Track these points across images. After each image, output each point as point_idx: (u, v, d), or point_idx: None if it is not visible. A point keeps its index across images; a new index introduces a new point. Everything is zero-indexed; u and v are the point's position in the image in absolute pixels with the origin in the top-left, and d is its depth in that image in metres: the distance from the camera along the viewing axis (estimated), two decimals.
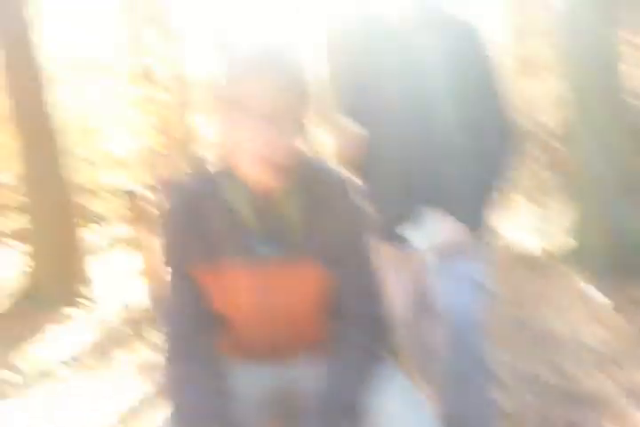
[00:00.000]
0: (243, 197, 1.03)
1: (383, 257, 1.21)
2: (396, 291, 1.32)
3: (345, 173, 1.10)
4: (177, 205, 1.07)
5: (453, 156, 1.45)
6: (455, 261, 1.42)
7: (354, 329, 1.05)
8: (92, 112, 7.96)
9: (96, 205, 6.15)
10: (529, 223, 4.33)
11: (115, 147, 7.95)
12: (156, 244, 3.43)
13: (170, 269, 1.09)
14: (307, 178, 1.04)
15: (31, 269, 3.79)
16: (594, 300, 3.09)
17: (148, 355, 3.02)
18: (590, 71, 3.55)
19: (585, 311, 2.97)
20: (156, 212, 3.49)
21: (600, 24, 3.53)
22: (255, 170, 0.96)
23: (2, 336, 2.48)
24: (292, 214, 1.03)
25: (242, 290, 1.05)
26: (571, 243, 3.84)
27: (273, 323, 1.08)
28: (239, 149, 0.96)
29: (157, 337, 3.21)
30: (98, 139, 7.91)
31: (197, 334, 1.06)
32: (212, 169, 1.09)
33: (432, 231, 1.40)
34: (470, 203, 1.45)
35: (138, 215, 3.57)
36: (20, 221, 5.54)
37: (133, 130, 8.12)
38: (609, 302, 2.99)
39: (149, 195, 3.67)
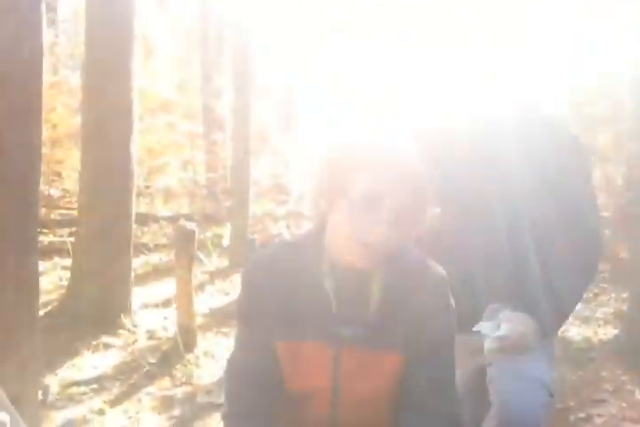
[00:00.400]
0: (329, 272, 1.03)
1: None
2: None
3: (441, 268, 1.09)
4: (265, 272, 1.06)
5: (539, 254, 1.44)
6: (518, 358, 1.39)
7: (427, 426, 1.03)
8: (152, 145, 8.32)
9: (143, 234, 6.29)
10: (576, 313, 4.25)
11: (166, 178, 8.23)
12: (191, 273, 3.50)
13: (245, 333, 1.09)
14: (402, 267, 1.04)
15: (77, 294, 3.83)
16: (633, 395, 2.94)
17: (170, 388, 3.00)
18: None
19: (624, 406, 2.81)
20: (195, 242, 3.56)
21: None
22: (357, 256, 0.97)
23: (38, 351, 2.50)
24: (379, 300, 1.03)
25: (314, 368, 1.04)
26: (613, 332, 3.74)
27: (340, 405, 1.06)
28: (349, 236, 0.97)
29: (181, 371, 3.20)
30: (155, 171, 8.21)
31: (261, 402, 1.05)
32: (303, 241, 1.09)
33: (498, 324, 1.38)
34: (552, 310, 1.43)
35: (180, 248, 3.63)
36: (63, 236, 5.74)
37: (185, 164, 8.44)
38: None
39: (191, 225, 3.74)
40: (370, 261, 0.98)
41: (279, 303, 1.03)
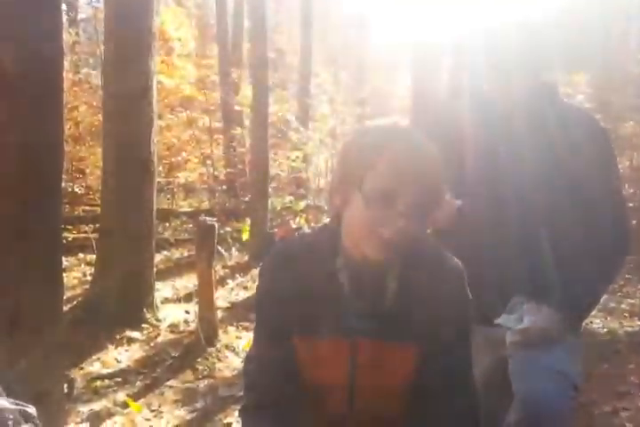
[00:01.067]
0: (345, 267, 1.03)
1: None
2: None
3: (457, 260, 1.09)
4: (281, 267, 1.07)
5: (564, 247, 1.42)
6: (542, 349, 1.38)
7: (444, 418, 1.03)
8: (172, 141, 8.38)
9: (164, 230, 6.37)
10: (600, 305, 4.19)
11: (186, 174, 8.30)
12: (211, 268, 3.53)
13: (263, 330, 1.10)
14: (417, 260, 1.04)
15: (101, 289, 3.88)
16: None
17: (192, 381, 3.04)
18: None
19: None
20: (215, 237, 3.58)
21: None
22: (374, 250, 0.97)
23: (63, 346, 2.55)
24: (395, 293, 1.03)
25: (331, 361, 1.05)
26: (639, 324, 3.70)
27: (357, 397, 1.07)
28: (366, 231, 0.97)
29: (203, 364, 3.24)
30: (175, 167, 8.28)
31: (279, 396, 1.06)
32: (318, 236, 1.10)
33: (521, 317, 1.39)
34: (577, 302, 1.42)
35: (202, 243, 3.66)
36: (87, 232, 5.84)
37: (205, 159, 8.50)
38: None
39: (212, 220, 3.76)
40: (385, 255, 0.97)
41: (296, 298, 1.04)
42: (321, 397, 1.08)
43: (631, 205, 5.20)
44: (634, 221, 4.78)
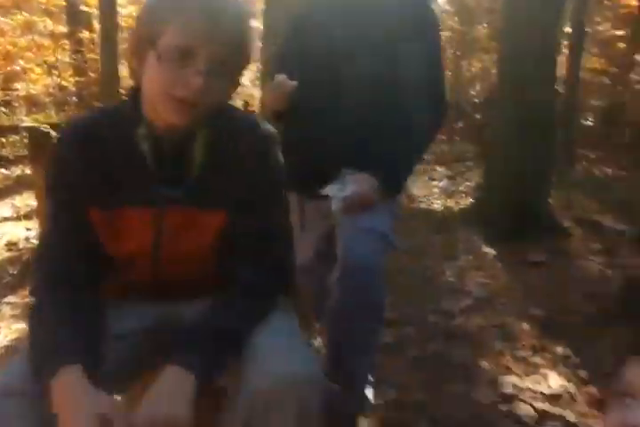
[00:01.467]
0: (146, 136, 0.98)
1: (296, 207, 1.25)
2: (302, 240, 1.36)
3: (269, 126, 1.07)
4: (71, 138, 1.00)
5: (383, 118, 1.48)
6: (361, 214, 1.46)
7: (249, 270, 1.04)
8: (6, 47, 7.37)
9: (2, 147, 5.76)
10: (438, 185, 4.61)
11: (28, 86, 7.42)
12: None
13: (54, 203, 1.02)
14: (226, 125, 1.01)
15: None
16: (480, 250, 3.34)
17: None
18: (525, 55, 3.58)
19: (471, 258, 3.23)
20: (51, 145, 3.28)
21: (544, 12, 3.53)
22: (173, 113, 0.93)
23: None
24: (203, 158, 1.00)
25: (134, 231, 1.01)
26: (471, 202, 4.13)
27: (162, 264, 1.05)
28: (162, 92, 0.92)
29: None
30: (12, 77, 7.36)
31: (72, 271, 1.00)
32: (119, 106, 1.04)
33: (344, 186, 1.44)
34: (394, 169, 1.50)
35: (36, 154, 3.34)
36: None
37: (50, 68, 7.61)
38: (492, 251, 3.25)
39: (52, 133, 3.42)
40: (184, 118, 0.93)
41: (93, 172, 0.98)
42: (123, 266, 1.05)
43: (477, 101, 5.54)
44: (478, 116, 5.15)
